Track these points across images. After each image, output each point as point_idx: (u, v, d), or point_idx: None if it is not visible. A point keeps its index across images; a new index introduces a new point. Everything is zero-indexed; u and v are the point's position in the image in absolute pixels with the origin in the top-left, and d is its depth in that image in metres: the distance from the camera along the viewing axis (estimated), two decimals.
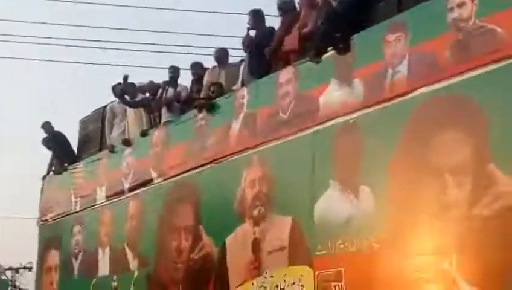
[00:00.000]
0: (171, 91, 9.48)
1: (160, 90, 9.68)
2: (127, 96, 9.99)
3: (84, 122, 11.45)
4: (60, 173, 11.37)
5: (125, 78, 9.93)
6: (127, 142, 9.84)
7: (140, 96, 9.95)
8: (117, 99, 10.29)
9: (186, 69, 9.57)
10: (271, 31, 7.99)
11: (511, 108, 5.15)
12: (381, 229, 5.93)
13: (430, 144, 5.65)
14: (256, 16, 8.28)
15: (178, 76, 9.71)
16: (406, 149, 5.90)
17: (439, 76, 5.70)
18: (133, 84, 10.00)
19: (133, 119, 9.93)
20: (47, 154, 11.57)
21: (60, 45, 13.32)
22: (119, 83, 10.12)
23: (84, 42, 13.22)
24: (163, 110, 9.49)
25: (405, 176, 5.86)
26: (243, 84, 8.19)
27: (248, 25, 8.35)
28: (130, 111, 10.00)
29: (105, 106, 10.84)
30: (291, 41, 7.53)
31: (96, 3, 13.26)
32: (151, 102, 9.78)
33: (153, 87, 10.00)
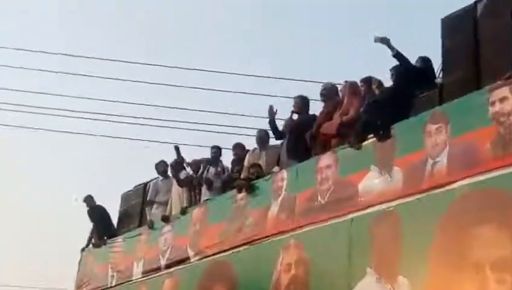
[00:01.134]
0: (212, 170, 9.61)
1: (201, 169, 9.81)
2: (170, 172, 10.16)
3: (126, 197, 11.62)
4: (98, 246, 11.47)
5: (177, 148, 10.07)
6: (166, 219, 9.93)
7: (184, 173, 10.07)
8: (160, 176, 10.45)
9: (229, 148, 9.73)
10: (313, 117, 8.12)
11: None
12: None
13: (469, 237, 5.59)
14: (302, 101, 8.44)
15: (220, 155, 9.86)
16: (444, 241, 5.83)
17: (479, 169, 5.68)
18: (182, 159, 10.10)
19: (176, 196, 10.04)
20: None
21: (119, 122, 13.60)
22: (162, 161, 10.28)
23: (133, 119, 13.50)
24: (204, 188, 9.60)
25: (443, 268, 5.77)
26: (281, 167, 8.27)
27: (292, 108, 8.51)
28: (175, 189, 10.12)
29: (147, 182, 11.02)
30: (332, 127, 7.63)
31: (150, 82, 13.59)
32: (193, 180, 9.91)
33: (196, 164, 10.15)
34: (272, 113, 8.62)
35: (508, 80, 5.66)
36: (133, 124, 13.82)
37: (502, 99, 5.65)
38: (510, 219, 5.38)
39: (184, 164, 10.06)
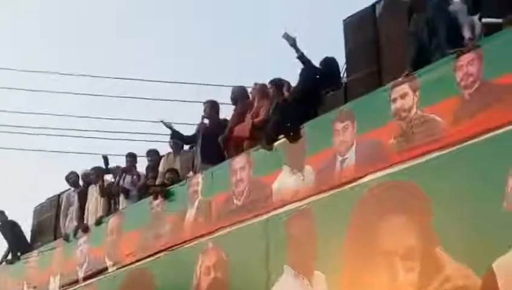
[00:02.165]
0: (128, 178, 9.55)
1: (117, 177, 9.72)
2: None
3: (39, 210, 11.36)
4: (12, 263, 11.17)
5: (105, 158, 9.89)
6: (85, 229, 9.76)
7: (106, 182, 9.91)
8: (72, 187, 10.29)
9: (144, 156, 9.69)
10: (224, 121, 8.23)
11: (452, 193, 5.38)
12: None
13: (378, 229, 5.83)
14: (211, 105, 8.53)
15: (135, 163, 9.81)
16: (357, 234, 6.06)
17: (385, 163, 5.93)
18: (108, 170, 9.92)
19: (93, 207, 9.88)
20: None
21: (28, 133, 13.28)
22: (72, 172, 10.14)
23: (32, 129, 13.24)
24: (121, 197, 9.52)
25: (356, 260, 6.00)
26: (195, 171, 8.33)
27: (203, 114, 8.58)
28: (90, 198, 9.98)
29: (60, 194, 10.82)
30: (244, 130, 7.75)
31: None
32: (111, 188, 9.78)
33: (116, 172, 9.99)
34: (167, 126, 8.75)
35: (408, 76, 5.93)
36: (43, 134, 13.52)
37: (403, 96, 5.92)
38: (416, 209, 5.65)
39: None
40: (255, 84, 7.97)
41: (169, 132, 8.99)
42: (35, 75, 13.93)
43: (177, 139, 8.92)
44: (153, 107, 14.00)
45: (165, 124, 8.92)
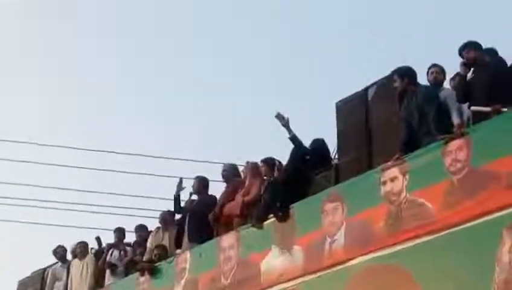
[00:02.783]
0: (116, 253, 9.46)
1: (104, 253, 9.62)
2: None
3: (23, 284, 11.17)
4: None
5: (98, 239, 9.80)
6: None
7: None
8: (59, 262, 10.17)
9: (132, 232, 9.63)
10: (213, 198, 8.24)
11: (441, 279, 5.36)
12: None
13: None
14: (201, 182, 8.55)
15: (123, 237, 9.73)
16: None
17: (374, 246, 5.93)
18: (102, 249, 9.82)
19: (77, 282, 9.73)
20: None
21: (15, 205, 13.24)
22: (60, 246, 10.04)
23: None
24: (107, 272, 9.40)
25: None
26: (183, 249, 8.27)
27: (192, 189, 8.60)
28: (75, 273, 9.82)
29: (45, 268, 10.66)
30: (234, 208, 7.75)
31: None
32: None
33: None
34: (179, 188, 8.67)
35: (398, 160, 6.00)
36: (31, 206, 13.45)
37: (393, 179, 5.97)
38: None
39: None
40: (247, 162, 8.03)
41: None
42: (21, 146, 13.91)
43: (174, 203, 8.84)
44: (141, 182, 13.99)
45: (179, 184, 8.86)
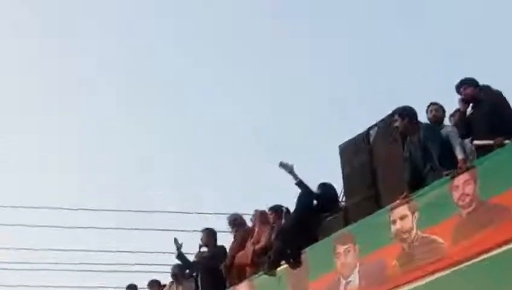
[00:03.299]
0: None
1: None
2: None
3: None
4: None
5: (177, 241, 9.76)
6: None
7: None
8: None
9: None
10: (223, 248, 8.28)
11: None
12: None
13: None
14: (209, 233, 8.60)
15: None
16: None
17: (389, 285, 5.96)
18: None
19: None
20: None
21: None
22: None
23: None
24: None
25: None
26: None
27: (200, 242, 8.63)
28: None
29: None
30: (245, 257, 7.79)
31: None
32: None
33: None
34: (177, 245, 8.71)
35: (405, 198, 6.07)
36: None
37: (402, 217, 6.03)
38: None
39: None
40: (255, 210, 8.10)
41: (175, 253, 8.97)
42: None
43: (180, 260, 8.85)
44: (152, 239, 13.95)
45: (175, 242, 8.91)
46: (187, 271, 8.99)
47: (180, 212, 13.93)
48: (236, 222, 8.39)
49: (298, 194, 7.38)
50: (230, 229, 8.41)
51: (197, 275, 8.56)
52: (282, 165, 7.31)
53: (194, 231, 9.24)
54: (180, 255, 8.81)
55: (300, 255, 6.94)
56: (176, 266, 9.12)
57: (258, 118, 20.60)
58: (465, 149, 6.03)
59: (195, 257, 8.78)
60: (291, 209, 7.65)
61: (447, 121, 6.56)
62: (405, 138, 6.44)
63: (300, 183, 7.27)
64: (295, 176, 7.31)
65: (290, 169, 7.31)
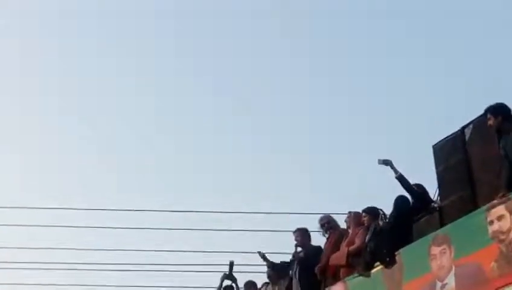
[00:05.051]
0: None
1: None
2: None
3: None
4: None
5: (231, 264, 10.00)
6: None
7: None
8: None
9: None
10: (319, 249, 8.31)
11: None
12: None
13: None
14: (303, 233, 8.66)
15: None
16: None
17: (487, 288, 5.81)
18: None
19: None
20: None
21: None
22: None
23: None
24: None
25: None
26: None
27: (296, 242, 8.70)
28: None
29: None
30: (340, 258, 7.79)
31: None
32: None
33: None
34: (264, 259, 8.97)
35: (503, 198, 5.90)
36: None
37: (500, 218, 5.87)
38: None
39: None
40: (349, 212, 8.09)
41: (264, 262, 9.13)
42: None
43: (273, 268, 9.01)
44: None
45: (260, 255, 9.07)
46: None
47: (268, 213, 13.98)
48: (331, 223, 8.40)
49: (395, 197, 7.33)
50: (320, 230, 8.44)
51: (294, 275, 8.62)
52: (381, 161, 7.29)
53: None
54: (271, 265, 8.92)
55: (395, 256, 6.87)
56: (269, 269, 9.22)
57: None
58: None
59: (292, 256, 8.84)
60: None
61: None
62: (501, 136, 6.27)
63: (401, 178, 7.22)
64: (395, 170, 7.28)
65: (389, 163, 7.29)
